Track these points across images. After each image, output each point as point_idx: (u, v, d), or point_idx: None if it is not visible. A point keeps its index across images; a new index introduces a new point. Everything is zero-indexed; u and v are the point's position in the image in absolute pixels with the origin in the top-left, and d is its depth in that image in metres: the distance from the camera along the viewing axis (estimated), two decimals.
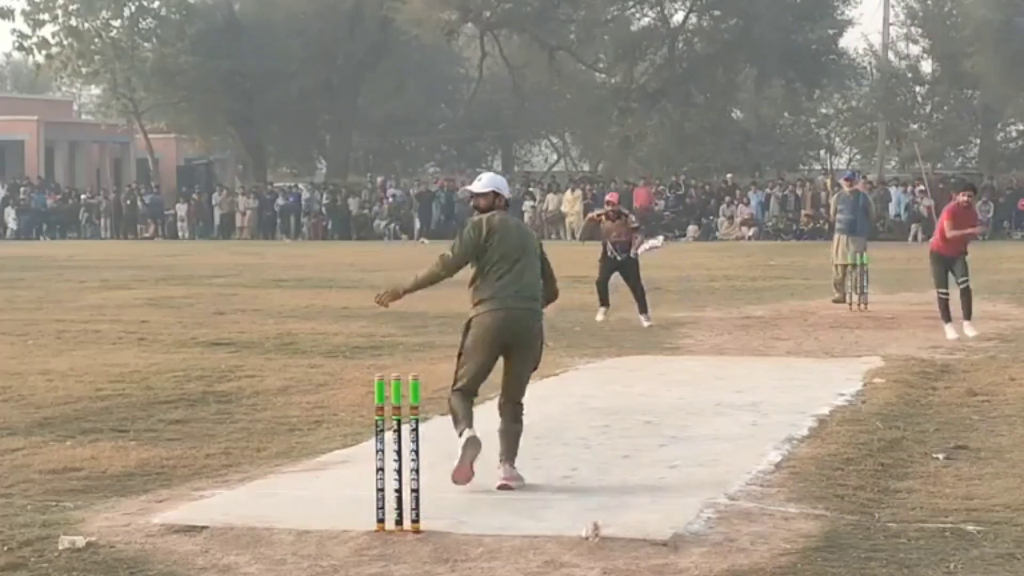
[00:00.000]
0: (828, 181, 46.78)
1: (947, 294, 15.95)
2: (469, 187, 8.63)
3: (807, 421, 10.33)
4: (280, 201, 49.77)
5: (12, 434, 10.11)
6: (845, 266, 19.58)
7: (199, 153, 58.72)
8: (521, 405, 8.33)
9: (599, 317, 18.16)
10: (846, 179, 21.11)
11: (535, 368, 8.42)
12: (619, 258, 18.11)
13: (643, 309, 18.01)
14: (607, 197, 19.16)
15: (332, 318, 18.62)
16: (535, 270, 8.34)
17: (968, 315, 15.95)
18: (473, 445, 7.98)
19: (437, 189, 48.52)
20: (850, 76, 54.54)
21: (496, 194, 8.42)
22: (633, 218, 18.86)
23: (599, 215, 18.54)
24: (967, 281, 15.93)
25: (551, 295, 8.52)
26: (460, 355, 8.30)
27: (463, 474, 7.99)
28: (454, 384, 8.28)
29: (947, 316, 15.93)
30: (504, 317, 8.13)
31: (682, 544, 6.87)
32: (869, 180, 46.09)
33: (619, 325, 17.71)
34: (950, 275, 15.97)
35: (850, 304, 19.14)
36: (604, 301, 18.37)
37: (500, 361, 8.28)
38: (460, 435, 8.05)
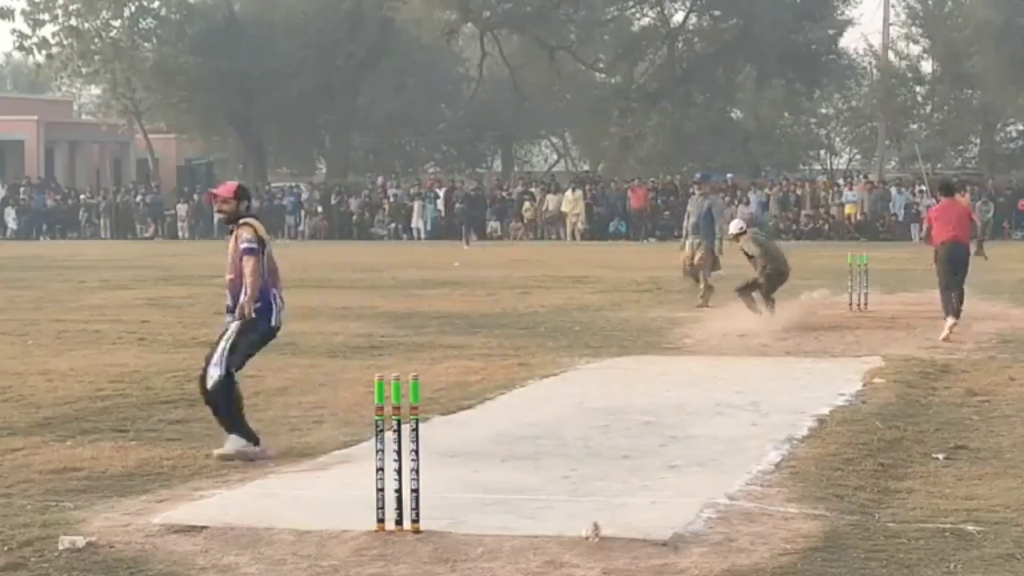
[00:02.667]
0: (827, 181, 46.90)
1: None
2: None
3: (807, 421, 10.33)
4: (280, 201, 49.77)
5: (12, 434, 10.11)
6: (690, 263, 20.55)
7: (199, 153, 58.72)
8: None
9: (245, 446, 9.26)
10: (695, 181, 21.69)
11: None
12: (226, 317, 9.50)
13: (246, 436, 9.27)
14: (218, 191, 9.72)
15: (332, 318, 18.60)
16: None
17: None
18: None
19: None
20: (850, 76, 54.60)
21: None
22: (248, 235, 9.27)
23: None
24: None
25: None
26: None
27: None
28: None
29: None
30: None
31: (682, 544, 6.87)
32: (869, 180, 46.18)
33: (619, 325, 17.70)
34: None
35: (851, 304, 19.16)
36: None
37: None
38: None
